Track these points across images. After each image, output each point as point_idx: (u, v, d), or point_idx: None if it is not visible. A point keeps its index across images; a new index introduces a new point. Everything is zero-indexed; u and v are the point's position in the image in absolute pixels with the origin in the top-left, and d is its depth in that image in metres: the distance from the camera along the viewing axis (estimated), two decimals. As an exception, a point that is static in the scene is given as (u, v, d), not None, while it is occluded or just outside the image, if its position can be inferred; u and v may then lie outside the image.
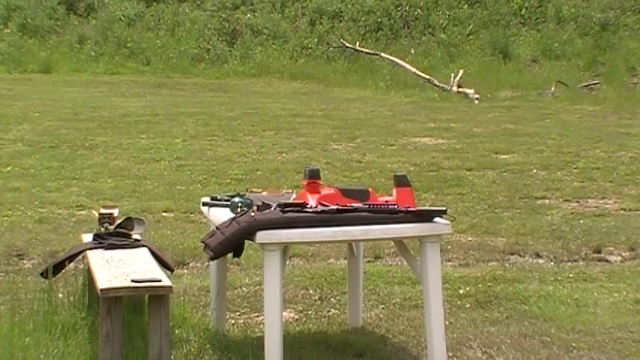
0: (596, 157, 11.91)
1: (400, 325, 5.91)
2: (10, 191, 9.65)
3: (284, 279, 5.40)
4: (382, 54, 20.98)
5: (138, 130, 13.23)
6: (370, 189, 5.20)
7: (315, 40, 22.39)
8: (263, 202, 4.99)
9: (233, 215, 4.99)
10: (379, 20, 22.91)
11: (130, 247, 5.44)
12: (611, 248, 7.94)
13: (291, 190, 6.03)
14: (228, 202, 5.18)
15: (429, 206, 6.50)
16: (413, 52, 21.82)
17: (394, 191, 5.08)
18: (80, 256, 5.61)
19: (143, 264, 5.13)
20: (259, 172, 10.70)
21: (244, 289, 6.61)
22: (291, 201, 5.08)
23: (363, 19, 23.02)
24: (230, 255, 5.14)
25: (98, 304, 4.87)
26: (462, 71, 19.25)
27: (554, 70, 20.47)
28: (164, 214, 8.90)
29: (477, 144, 12.69)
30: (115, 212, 5.85)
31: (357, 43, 21.66)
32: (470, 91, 18.07)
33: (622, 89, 18.89)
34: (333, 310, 6.24)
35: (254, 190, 5.88)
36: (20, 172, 10.54)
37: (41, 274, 5.56)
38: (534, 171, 11.05)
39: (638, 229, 8.46)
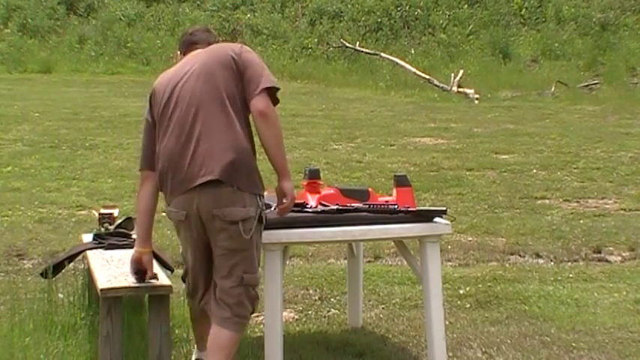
0: (596, 157, 11.91)
1: (400, 325, 5.90)
2: (10, 191, 9.65)
3: (284, 279, 5.40)
4: (382, 54, 20.98)
5: (138, 130, 13.07)
6: (370, 189, 5.19)
7: (315, 40, 22.38)
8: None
9: (233, 215, 4.97)
10: (379, 20, 22.91)
11: (130, 247, 5.43)
12: (611, 248, 7.94)
13: (291, 190, 6.00)
14: (228, 202, 5.15)
15: (429, 206, 6.50)
16: (413, 52, 21.82)
17: (394, 191, 5.08)
18: (80, 256, 5.61)
19: (143, 264, 5.11)
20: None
21: (244, 289, 6.60)
22: (291, 201, 5.06)
23: (363, 19, 23.01)
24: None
25: (98, 304, 4.86)
26: (462, 71, 19.24)
27: (554, 70, 20.46)
28: (164, 214, 8.87)
29: (477, 144, 12.68)
30: (115, 212, 5.85)
31: (357, 43, 21.66)
32: (470, 91, 18.06)
33: (622, 89, 18.88)
34: (333, 310, 6.23)
35: (254, 190, 5.85)
36: (20, 172, 10.53)
37: (41, 274, 5.56)
38: (534, 171, 11.05)
39: (638, 229, 8.46)
